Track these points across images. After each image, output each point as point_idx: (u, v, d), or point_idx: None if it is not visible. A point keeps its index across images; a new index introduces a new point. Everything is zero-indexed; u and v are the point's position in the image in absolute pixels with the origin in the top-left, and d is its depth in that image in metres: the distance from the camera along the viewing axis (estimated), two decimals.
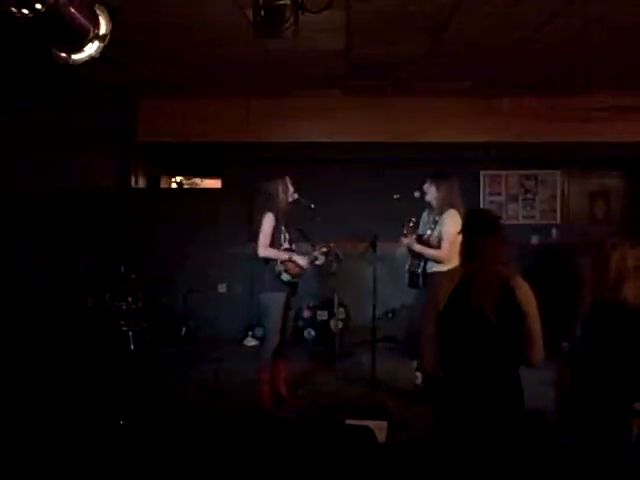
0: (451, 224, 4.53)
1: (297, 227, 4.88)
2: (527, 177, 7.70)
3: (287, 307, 4.73)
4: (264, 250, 4.63)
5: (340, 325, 5.56)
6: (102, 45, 3.29)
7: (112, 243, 6.85)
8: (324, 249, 4.71)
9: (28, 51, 4.19)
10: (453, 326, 2.69)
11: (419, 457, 3.56)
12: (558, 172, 7.69)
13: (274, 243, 4.66)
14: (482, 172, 7.66)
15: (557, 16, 4.28)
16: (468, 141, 7.04)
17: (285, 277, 4.61)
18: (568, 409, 2.84)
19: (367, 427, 3.04)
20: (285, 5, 3.48)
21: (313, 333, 7.30)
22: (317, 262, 4.79)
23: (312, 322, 7.34)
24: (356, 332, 6.63)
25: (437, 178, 4.85)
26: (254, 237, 4.65)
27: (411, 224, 4.87)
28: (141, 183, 7.88)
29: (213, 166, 8.09)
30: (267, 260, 4.66)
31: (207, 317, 6.89)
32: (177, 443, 3.98)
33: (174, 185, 9.75)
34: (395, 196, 5.00)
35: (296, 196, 4.76)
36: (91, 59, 3.31)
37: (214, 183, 9.06)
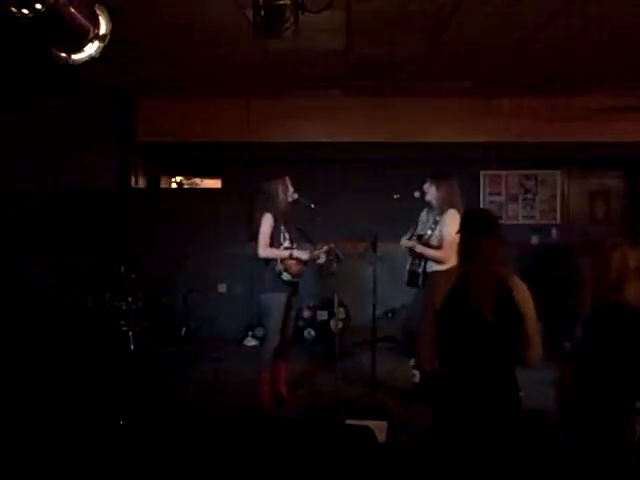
0: (452, 224, 4.53)
1: (298, 227, 4.88)
2: (527, 177, 7.70)
3: (288, 307, 4.73)
4: (264, 250, 4.63)
5: (340, 325, 5.55)
6: (102, 45, 3.29)
7: (112, 243, 6.85)
8: (325, 247, 4.71)
9: (28, 51, 4.19)
10: (450, 325, 2.69)
11: (419, 457, 3.56)
12: (558, 172, 7.69)
13: (274, 243, 4.66)
14: (482, 172, 7.65)
15: (557, 16, 4.28)
16: (468, 141, 7.04)
17: (286, 277, 4.61)
18: (570, 409, 2.84)
19: (367, 427, 3.04)
20: (285, 5, 3.48)
21: (313, 333, 7.30)
22: (318, 260, 4.79)
23: (312, 322, 7.34)
24: (356, 332, 6.62)
25: (437, 178, 4.85)
26: (254, 237, 4.65)
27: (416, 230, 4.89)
28: (141, 183, 7.88)
29: (213, 166, 8.09)
30: (267, 260, 4.66)
31: (207, 317, 6.89)
32: (177, 443, 3.98)
33: (174, 185, 9.75)
34: (395, 196, 5.00)
35: (296, 196, 4.76)
36: (91, 59, 3.31)
37: (214, 183, 9.06)
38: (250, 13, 3.80)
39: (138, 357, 5.72)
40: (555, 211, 7.68)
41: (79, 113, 6.04)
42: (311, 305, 7.36)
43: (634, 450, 2.57)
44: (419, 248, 4.78)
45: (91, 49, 3.27)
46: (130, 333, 5.79)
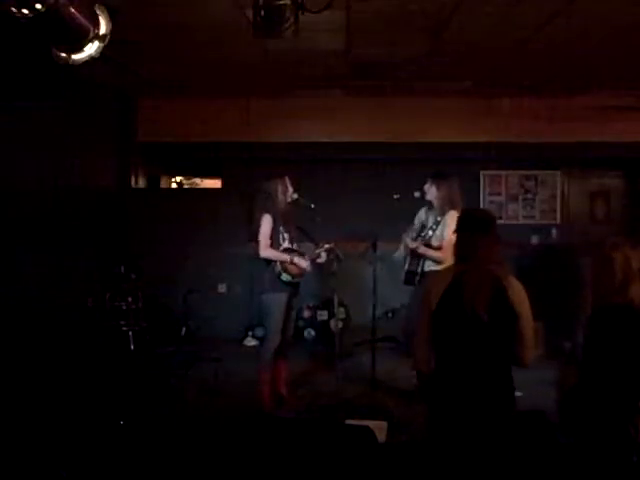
0: (453, 225, 4.52)
1: (299, 227, 4.88)
2: (527, 177, 7.69)
3: (289, 307, 4.73)
4: (265, 251, 4.63)
5: (340, 325, 5.55)
6: (102, 45, 3.29)
7: (112, 243, 6.85)
8: (327, 245, 4.71)
9: (28, 51, 4.18)
10: (446, 325, 2.69)
11: (419, 457, 3.56)
12: (558, 172, 7.69)
13: (273, 244, 4.66)
14: (482, 172, 7.65)
15: (557, 16, 4.28)
16: (468, 141, 7.03)
17: (285, 277, 4.61)
18: (572, 409, 2.84)
19: (367, 427, 3.04)
20: (285, 5, 3.48)
21: (313, 333, 7.31)
22: (319, 260, 4.79)
23: (312, 322, 7.34)
24: (356, 332, 6.62)
25: (437, 178, 4.85)
26: (254, 237, 4.66)
27: (420, 232, 4.89)
28: (141, 183, 7.88)
29: (213, 166, 8.09)
30: (268, 261, 4.66)
31: (207, 317, 6.89)
32: (177, 443, 3.98)
33: (174, 185, 9.75)
34: (395, 196, 5.00)
35: (295, 196, 4.75)
36: (91, 59, 3.31)
37: (214, 183, 9.06)
38: (250, 13, 3.79)
39: (138, 357, 5.72)
40: (555, 211, 7.68)
41: (79, 113, 6.04)
42: (311, 305, 7.36)
43: (636, 449, 2.58)
44: (421, 249, 4.78)
45: (91, 49, 3.27)
46: (130, 333, 5.79)
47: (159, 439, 4.06)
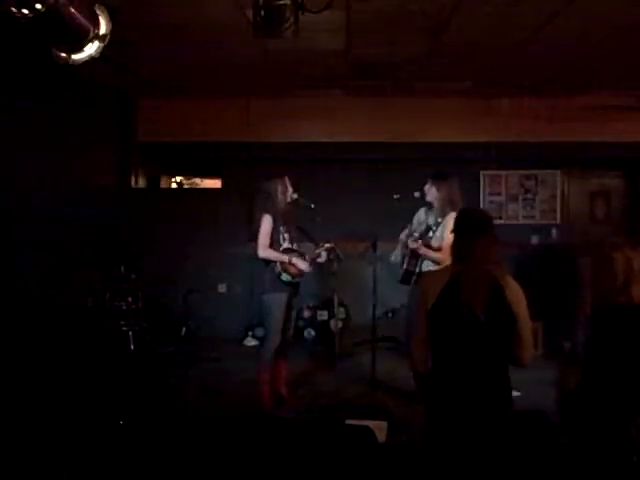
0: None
1: (299, 227, 4.88)
2: (527, 177, 7.70)
3: (289, 307, 4.73)
4: (264, 251, 4.63)
5: (340, 325, 5.56)
6: (102, 45, 3.29)
7: (112, 243, 6.85)
8: (327, 245, 4.71)
9: (28, 51, 4.18)
10: (443, 325, 2.69)
11: (419, 457, 3.56)
12: (558, 172, 7.69)
13: (273, 244, 4.66)
14: (482, 172, 7.66)
15: (557, 16, 4.28)
16: (468, 141, 7.04)
17: (285, 277, 4.61)
18: (574, 409, 2.84)
19: (367, 427, 3.04)
20: (285, 5, 3.48)
21: (313, 333, 7.31)
22: (319, 260, 4.79)
23: (312, 322, 7.34)
24: (356, 332, 6.63)
25: (438, 179, 4.84)
26: (254, 237, 4.66)
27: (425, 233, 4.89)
28: (141, 183, 7.88)
29: (213, 166, 8.09)
30: (268, 261, 4.66)
31: (207, 317, 6.89)
32: (177, 443, 3.98)
33: (174, 185, 9.76)
34: (395, 196, 4.99)
35: (295, 196, 4.75)
36: (91, 59, 3.31)
37: (214, 183, 9.06)
38: (250, 13, 3.79)
39: (138, 357, 5.72)
40: (555, 211, 7.68)
41: (79, 113, 6.04)
42: (311, 305, 7.36)
43: (637, 449, 2.58)
44: (422, 250, 4.77)
45: (91, 49, 3.27)
46: (130, 333, 5.79)
47: (159, 439, 4.06)
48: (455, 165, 6.25)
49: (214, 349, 6.44)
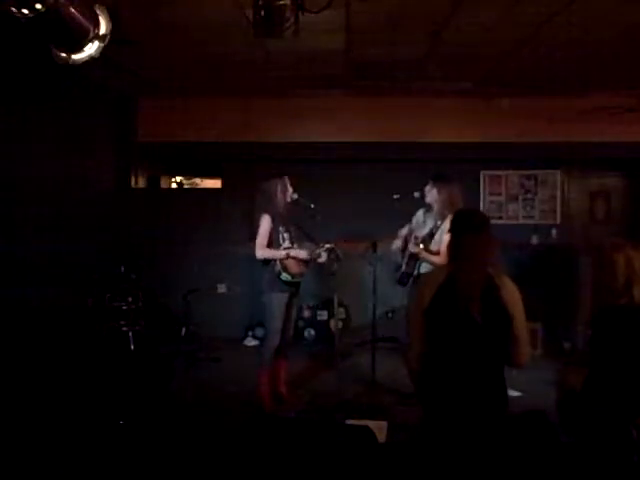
0: None
1: (299, 227, 4.88)
2: (527, 177, 7.69)
3: (289, 307, 4.73)
4: (261, 251, 4.63)
5: (340, 325, 5.56)
6: (102, 45, 3.28)
7: (112, 243, 6.85)
8: (327, 245, 4.71)
9: (28, 51, 4.18)
10: (439, 324, 2.70)
11: (419, 457, 3.56)
12: (558, 172, 7.68)
13: (272, 244, 4.66)
14: (482, 172, 7.65)
15: (557, 16, 4.28)
16: (468, 141, 7.04)
17: (285, 277, 4.61)
18: (574, 409, 2.84)
19: (367, 427, 3.04)
20: (285, 5, 3.48)
21: (313, 333, 7.31)
22: (319, 259, 4.78)
23: (312, 322, 7.34)
24: (356, 332, 6.63)
25: (439, 181, 4.82)
26: (254, 237, 4.66)
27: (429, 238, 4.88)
28: (141, 183, 7.88)
29: (213, 166, 8.09)
30: (267, 261, 4.66)
31: (207, 317, 6.89)
32: (177, 443, 3.98)
33: (174, 185, 9.75)
34: (395, 196, 4.99)
35: (295, 196, 4.75)
36: (91, 59, 3.30)
37: (214, 183, 9.06)
38: (250, 13, 3.79)
39: (138, 357, 5.72)
40: (555, 211, 7.68)
41: (79, 113, 6.04)
42: (311, 305, 7.36)
43: (638, 450, 2.58)
44: (423, 254, 4.75)
45: (91, 49, 3.26)
46: (130, 333, 5.79)
47: (159, 439, 4.06)
48: (455, 165, 6.25)
49: (214, 349, 6.43)
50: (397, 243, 4.98)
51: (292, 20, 3.56)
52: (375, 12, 4.28)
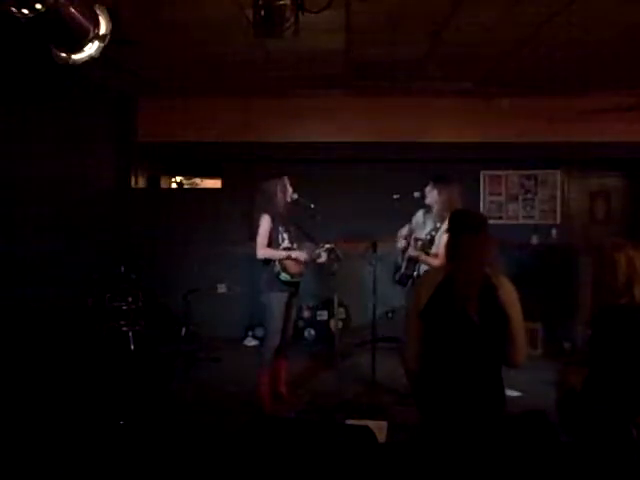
0: None
1: (299, 227, 4.88)
2: (527, 177, 7.69)
3: (289, 307, 4.73)
4: (261, 251, 4.63)
5: (340, 325, 5.56)
6: (102, 45, 3.28)
7: (112, 243, 6.85)
8: (327, 245, 4.71)
9: (28, 51, 4.18)
10: (436, 324, 2.70)
11: (419, 457, 3.56)
12: (558, 172, 7.68)
13: (272, 244, 4.66)
14: (482, 172, 7.65)
15: (557, 16, 4.28)
16: (468, 141, 7.03)
17: (284, 277, 4.61)
18: (574, 408, 2.84)
19: (367, 427, 3.04)
20: (285, 5, 3.48)
21: (313, 333, 7.31)
22: (320, 259, 4.79)
23: (312, 322, 7.34)
24: (356, 332, 6.63)
25: (439, 182, 4.81)
26: (254, 237, 4.66)
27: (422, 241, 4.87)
28: (141, 183, 7.88)
29: (213, 166, 8.09)
30: (267, 261, 4.66)
31: (207, 317, 6.89)
32: (177, 443, 3.98)
33: (174, 185, 9.75)
34: (395, 196, 4.99)
35: (295, 196, 4.75)
36: (91, 59, 3.30)
37: (214, 183, 9.06)
38: (250, 13, 3.79)
39: (138, 357, 5.72)
40: (555, 211, 7.68)
41: (79, 113, 6.04)
42: (311, 305, 7.36)
43: (638, 450, 2.58)
44: (423, 258, 4.74)
45: (91, 49, 3.26)
46: (130, 333, 5.80)
47: (159, 439, 4.06)
48: (455, 165, 6.25)
49: (214, 349, 6.43)
50: (402, 243, 4.98)
51: (292, 20, 3.56)
52: (375, 12, 4.28)
